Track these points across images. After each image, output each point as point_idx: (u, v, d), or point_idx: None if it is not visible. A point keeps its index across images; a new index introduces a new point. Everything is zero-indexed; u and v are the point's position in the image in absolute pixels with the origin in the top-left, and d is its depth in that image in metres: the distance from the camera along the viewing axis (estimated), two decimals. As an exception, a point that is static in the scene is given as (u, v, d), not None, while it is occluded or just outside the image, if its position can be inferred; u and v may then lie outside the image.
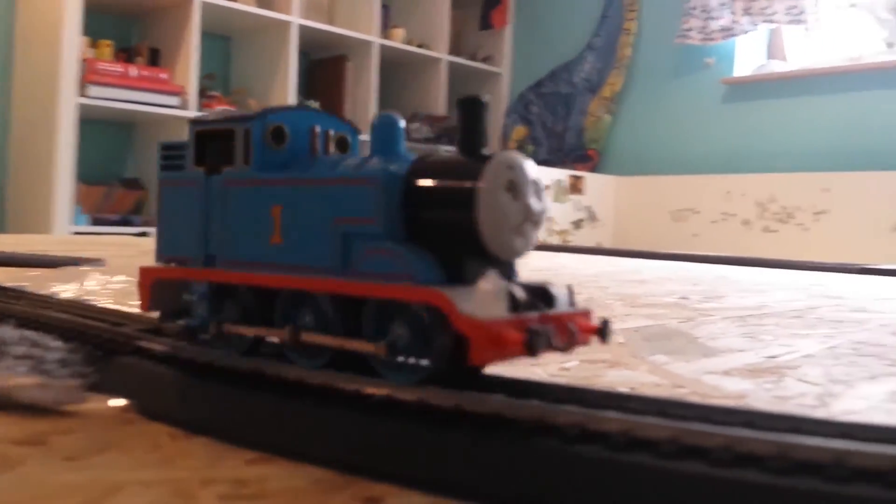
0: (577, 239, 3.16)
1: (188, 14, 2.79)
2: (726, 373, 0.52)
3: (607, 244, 3.24)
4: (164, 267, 0.53)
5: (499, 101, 3.83)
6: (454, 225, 0.41)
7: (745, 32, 3.05)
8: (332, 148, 0.52)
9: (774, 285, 1.31)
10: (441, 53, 3.56)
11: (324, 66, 3.43)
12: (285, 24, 3.06)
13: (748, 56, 3.19)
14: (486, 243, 0.40)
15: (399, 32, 3.47)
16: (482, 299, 0.39)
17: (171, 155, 0.54)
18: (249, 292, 0.50)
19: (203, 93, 2.92)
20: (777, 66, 3.10)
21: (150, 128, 2.93)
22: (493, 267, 0.42)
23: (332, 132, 0.52)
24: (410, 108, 3.56)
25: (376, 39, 3.32)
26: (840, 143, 2.88)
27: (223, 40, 3.27)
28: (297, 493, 0.32)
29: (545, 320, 0.40)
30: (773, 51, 3.21)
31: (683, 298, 1.01)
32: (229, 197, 0.50)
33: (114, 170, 2.97)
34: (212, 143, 0.50)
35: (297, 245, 0.46)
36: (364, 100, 3.33)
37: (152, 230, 1.50)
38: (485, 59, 3.81)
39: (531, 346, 0.37)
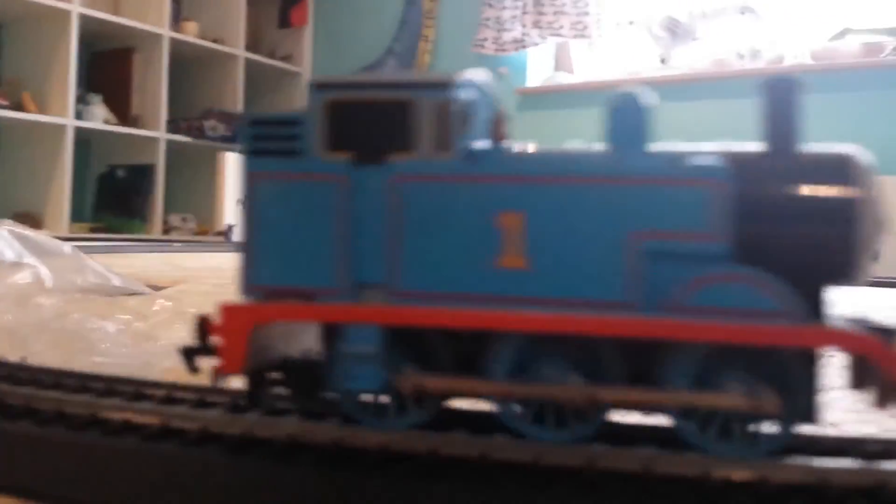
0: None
1: (-52, -5, 2.51)
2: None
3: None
4: (277, 304, 0.34)
5: (298, 102, 3.77)
6: (824, 244, 0.31)
7: (536, 45, 3.19)
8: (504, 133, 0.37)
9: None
10: (237, 50, 3.44)
11: (108, 59, 3.21)
12: (64, 13, 2.83)
13: (539, 67, 3.34)
14: (854, 265, 0.31)
15: (192, 26, 3.32)
16: None
17: (271, 134, 0.35)
18: (438, 338, 0.34)
19: (-33, 82, 2.64)
20: (565, 78, 3.27)
21: None
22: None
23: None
24: (204, 106, 3.41)
25: (166, 32, 3.15)
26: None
27: (-8, 26, 2.97)
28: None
29: None
30: (563, 64, 3.39)
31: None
32: (408, 199, 0.33)
33: None
34: (360, 118, 0.34)
35: (557, 270, 0.32)
36: (153, 95, 3.15)
37: None
38: (284, 58, 3.73)
39: None
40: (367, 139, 0.34)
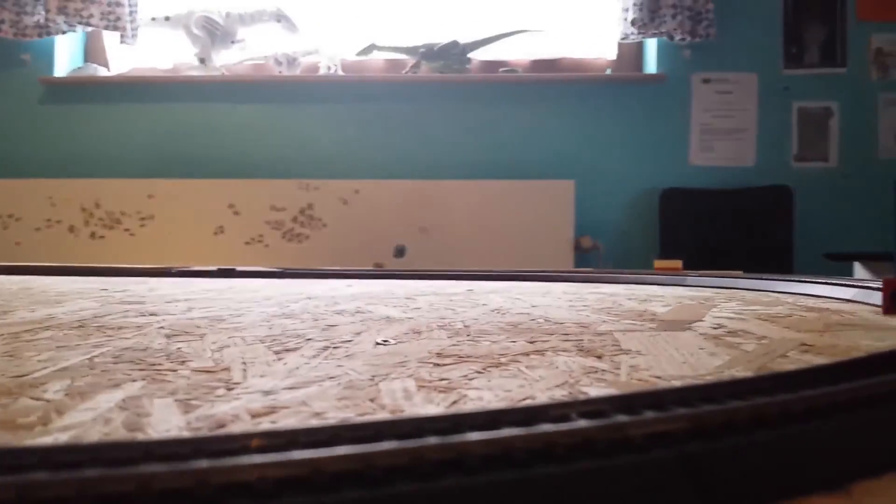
0: None
1: None
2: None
3: None
4: None
5: None
6: None
7: (62, 32, 2.92)
8: None
9: (82, 293, 1.26)
10: None
11: None
12: None
13: (68, 57, 3.07)
14: None
15: None
16: None
17: None
18: None
19: None
20: (98, 71, 3.05)
21: None
22: None
23: None
24: None
25: None
26: (163, 150, 2.98)
27: None
28: None
29: None
30: (95, 55, 3.15)
31: (-40, 317, 0.89)
32: None
33: None
34: None
35: None
36: None
37: None
38: None
39: None
40: None
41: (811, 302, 1.12)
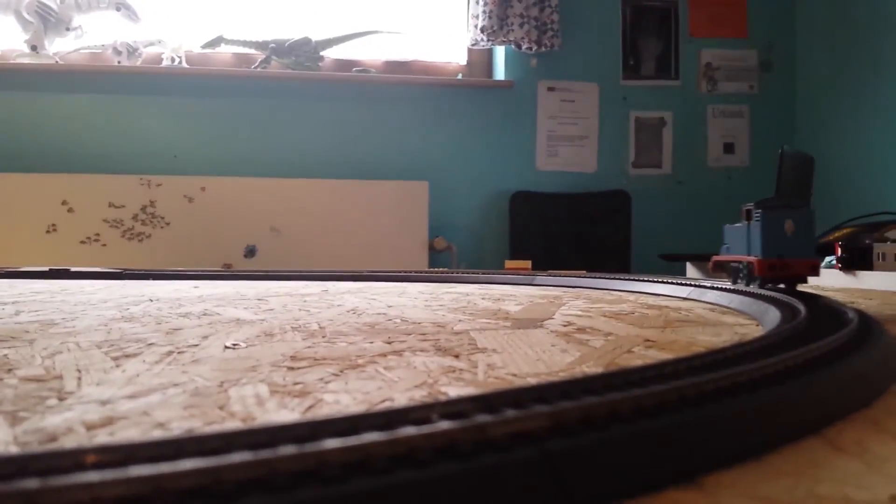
0: None
1: None
2: None
3: None
4: None
5: None
6: None
7: None
8: None
9: None
10: None
11: None
12: None
13: None
14: None
15: None
16: None
17: None
18: None
19: None
20: None
21: None
22: None
23: None
24: None
25: None
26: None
27: None
28: None
29: None
30: None
31: None
32: None
33: None
34: None
35: None
36: None
37: None
38: None
39: None
40: None
41: (651, 300, 1.17)
